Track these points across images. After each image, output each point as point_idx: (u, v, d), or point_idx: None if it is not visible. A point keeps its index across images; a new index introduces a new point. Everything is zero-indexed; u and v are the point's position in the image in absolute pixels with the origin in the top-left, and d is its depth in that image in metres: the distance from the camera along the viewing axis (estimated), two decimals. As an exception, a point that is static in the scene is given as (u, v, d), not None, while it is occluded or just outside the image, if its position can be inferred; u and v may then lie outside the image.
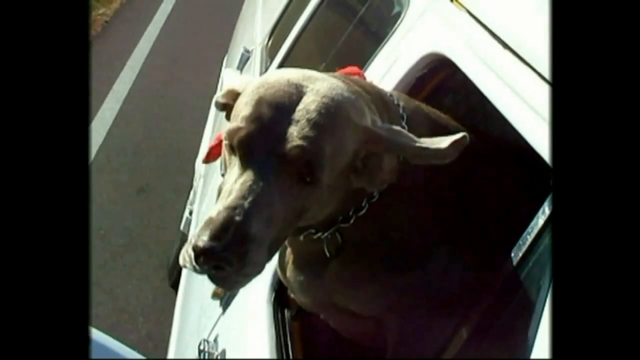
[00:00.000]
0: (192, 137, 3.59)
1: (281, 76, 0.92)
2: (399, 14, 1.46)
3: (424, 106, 1.12)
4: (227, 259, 0.81)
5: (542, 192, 0.90)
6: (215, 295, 1.58)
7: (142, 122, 4.22)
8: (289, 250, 1.13)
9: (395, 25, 1.42)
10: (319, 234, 1.01)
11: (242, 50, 2.81)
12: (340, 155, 0.89)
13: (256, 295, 1.40)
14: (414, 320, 1.03)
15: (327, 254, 1.02)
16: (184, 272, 2.29)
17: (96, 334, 0.87)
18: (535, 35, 0.92)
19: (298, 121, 0.86)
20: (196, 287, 1.96)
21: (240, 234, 0.81)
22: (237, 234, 0.81)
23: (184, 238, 2.67)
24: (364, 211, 0.99)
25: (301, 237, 1.02)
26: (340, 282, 1.06)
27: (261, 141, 0.86)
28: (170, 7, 6.19)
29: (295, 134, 0.85)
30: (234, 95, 0.95)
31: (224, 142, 0.90)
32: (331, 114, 0.88)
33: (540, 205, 0.91)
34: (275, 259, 1.21)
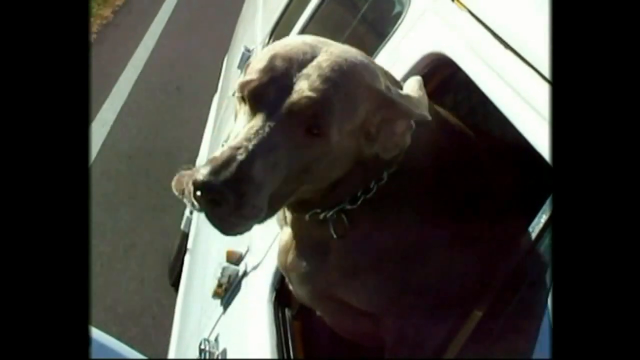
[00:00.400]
0: (193, 135, 3.59)
1: (297, 38, 0.96)
2: (399, 14, 1.46)
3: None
4: (224, 195, 0.81)
5: (543, 192, 0.90)
6: (216, 295, 1.58)
7: (143, 124, 4.22)
8: (290, 236, 1.12)
9: (396, 25, 1.42)
10: (325, 214, 1.00)
11: (242, 49, 2.81)
12: (351, 113, 0.90)
13: (257, 294, 1.40)
14: (413, 320, 1.03)
15: (334, 235, 1.01)
16: (185, 271, 2.29)
17: (96, 333, 0.87)
18: (536, 34, 0.92)
19: (309, 75, 0.88)
20: (197, 286, 1.96)
21: (241, 172, 0.82)
22: (237, 172, 0.82)
23: (184, 237, 2.67)
24: (371, 194, 0.99)
25: (307, 217, 1.01)
26: (341, 272, 1.05)
27: (271, 91, 0.88)
28: (172, 6, 6.18)
29: (306, 86, 0.87)
30: None
31: (236, 95, 0.91)
32: (344, 72, 0.90)
33: (540, 205, 0.91)
34: (276, 247, 1.21)
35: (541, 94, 0.87)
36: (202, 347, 1.47)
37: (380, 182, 0.99)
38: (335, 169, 0.95)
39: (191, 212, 2.72)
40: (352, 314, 1.12)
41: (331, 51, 0.91)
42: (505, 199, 1.07)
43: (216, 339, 1.49)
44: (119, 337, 1.01)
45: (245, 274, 1.52)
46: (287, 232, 1.14)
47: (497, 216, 1.04)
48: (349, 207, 1.00)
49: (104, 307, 2.74)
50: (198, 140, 3.24)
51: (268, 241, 1.46)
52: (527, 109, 0.89)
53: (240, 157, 0.83)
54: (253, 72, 0.90)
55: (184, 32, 5.66)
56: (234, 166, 0.82)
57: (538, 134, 0.85)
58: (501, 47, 0.99)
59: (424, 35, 1.28)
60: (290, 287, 1.20)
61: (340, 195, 0.99)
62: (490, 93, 0.99)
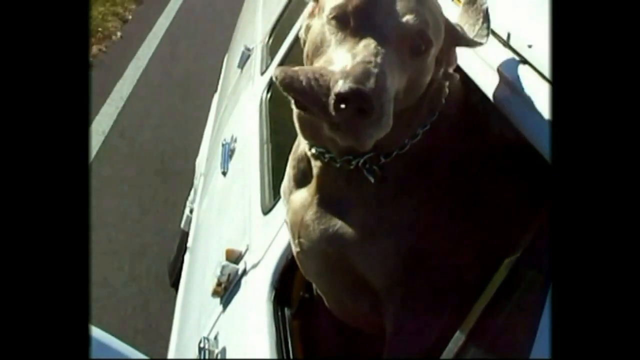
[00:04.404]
0: (191, 136, 3.59)
1: None
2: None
3: None
4: (372, 104, 0.83)
5: (542, 192, 0.90)
6: (215, 293, 1.58)
7: (144, 125, 4.23)
8: (309, 194, 1.11)
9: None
10: (357, 161, 1.01)
11: (242, 48, 2.82)
12: (438, 32, 0.96)
13: (256, 293, 1.40)
14: (414, 309, 1.03)
15: (372, 180, 1.02)
16: (185, 270, 2.29)
17: (97, 332, 0.87)
18: (535, 33, 0.92)
19: None
20: (196, 285, 1.97)
21: (380, 84, 0.84)
22: (377, 84, 0.83)
23: (184, 236, 2.67)
24: (405, 149, 1.02)
25: (337, 164, 1.02)
26: (362, 229, 1.04)
27: (374, 12, 0.91)
28: (174, 12, 6.18)
29: (404, 8, 0.92)
30: None
31: (328, 18, 0.93)
32: None
33: (540, 205, 0.92)
34: (275, 247, 1.19)
35: (541, 94, 0.87)
36: (202, 345, 1.47)
37: (414, 140, 1.02)
38: (416, 91, 0.98)
39: (191, 212, 2.73)
40: (354, 291, 1.10)
41: None
42: (504, 198, 1.07)
43: (216, 338, 1.49)
44: (118, 336, 1.01)
45: (244, 272, 1.52)
46: (302, 193, 1.13)
47: (498, 216, 1.04)
48: (383, 160, 1.01)
49: (103, 306, 2.75)
50: (197, 141, 3.25)
51: (267, 240, 1.47)
52: (527, 108, 0.89)
53: (375, 71, 0.84)
54: None
55: (187, 36, 5.66)
56: (373, 78, 0.83)
57: (537, 132, 0.85)
58: (500, 45, 1.00)
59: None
60: (296, 250, 1.17)
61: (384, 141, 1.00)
62: (489, 91, 0.99)
